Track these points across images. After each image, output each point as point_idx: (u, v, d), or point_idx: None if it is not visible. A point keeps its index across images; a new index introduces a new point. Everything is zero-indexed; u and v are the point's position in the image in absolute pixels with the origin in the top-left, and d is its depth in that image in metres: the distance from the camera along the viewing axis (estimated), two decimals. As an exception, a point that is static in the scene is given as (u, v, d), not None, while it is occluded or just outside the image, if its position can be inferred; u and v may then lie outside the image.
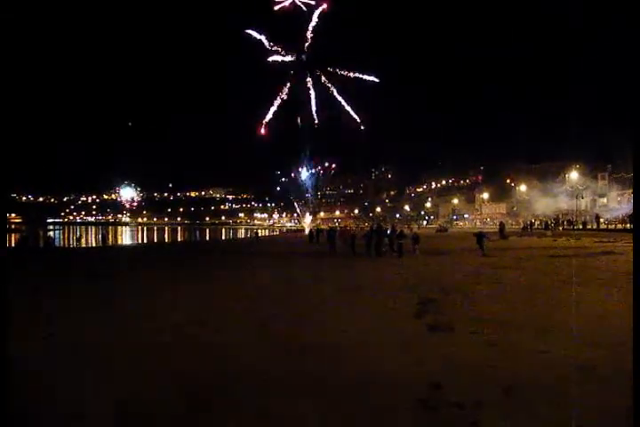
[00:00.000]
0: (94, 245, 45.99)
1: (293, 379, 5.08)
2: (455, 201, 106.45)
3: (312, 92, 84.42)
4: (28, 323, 7.57)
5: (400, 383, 4.87)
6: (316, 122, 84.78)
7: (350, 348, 6.27)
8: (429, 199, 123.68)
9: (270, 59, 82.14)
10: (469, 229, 73.25)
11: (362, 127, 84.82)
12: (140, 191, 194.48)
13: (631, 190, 50.48)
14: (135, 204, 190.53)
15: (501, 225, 37.76)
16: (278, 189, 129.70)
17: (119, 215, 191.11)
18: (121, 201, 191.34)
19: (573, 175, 60.49)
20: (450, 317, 7.91)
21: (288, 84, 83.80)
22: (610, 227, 44.58)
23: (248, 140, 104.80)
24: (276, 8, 79.00)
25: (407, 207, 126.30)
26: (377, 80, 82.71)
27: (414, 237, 22.66)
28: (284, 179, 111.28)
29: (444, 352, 5.97)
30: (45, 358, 5.90)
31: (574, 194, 57.85)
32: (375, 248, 22.02)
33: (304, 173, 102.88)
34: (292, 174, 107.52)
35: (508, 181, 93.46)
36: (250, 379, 5.08)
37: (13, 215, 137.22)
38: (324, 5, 79.64)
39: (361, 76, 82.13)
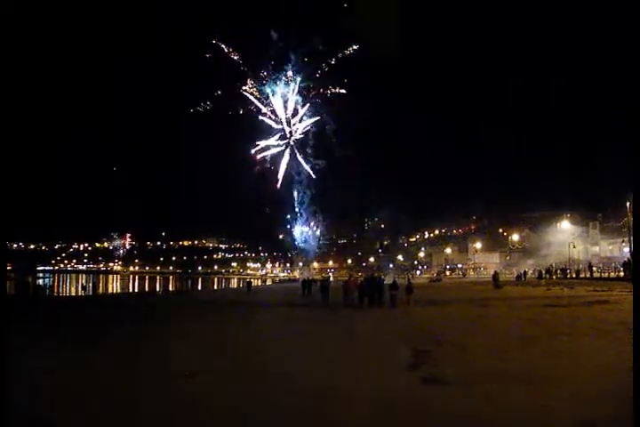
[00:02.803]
0: (82, 294, 45.20)
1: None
2: (448, 251, 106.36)
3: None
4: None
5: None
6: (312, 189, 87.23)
7: (342, 405, 6.06)
8: (422, 249, 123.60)
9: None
10: (461, 278, 72.95)
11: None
12: (133, 240, 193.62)
13: (622, 239, 50.87)
14: (127, 251, 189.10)
15: (495, 275, 37.57)
16: (271, 238, 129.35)
17: (111, 264, 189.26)
18: (113, 249, 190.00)
19: (565, 225, 60.87)
20: (444, 369, 7.71)
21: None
22: (603, 275, 44.39)
23: (242, 190, 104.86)
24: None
25: (401, 257, 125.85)
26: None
27: (408, 288, 22.35)
28: (277, 229, 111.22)
29: (439, 406, 5.78)
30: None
31: (566, 243, 58.06)
32: (368, 299, 21.70)
33: (297, 225, 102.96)
34: (286, 225, 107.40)
35: (500, 230, 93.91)
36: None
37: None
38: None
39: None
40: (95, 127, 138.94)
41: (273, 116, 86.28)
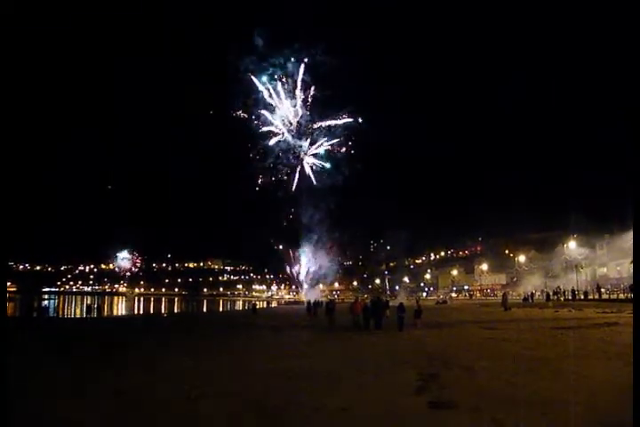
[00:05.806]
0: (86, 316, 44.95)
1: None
2: (454, 272, 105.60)
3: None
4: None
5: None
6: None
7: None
8: (428, 271, 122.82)
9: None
10: (468, 300, 72.29)
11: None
12: (139, 261, 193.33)
13: (629, 260, 50.38)
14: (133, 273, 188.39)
15: (505, 296, 37.15)
16: (277, 260, 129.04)
17: (116, 285, 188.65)
18: (119, 271, 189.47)
19: (572, 245, 60.44)
20: (452, 393, 7.60)
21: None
22: (612, 297, 43.89)
23: (248, 213, 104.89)
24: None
25: (406, 279, 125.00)
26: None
27: (417, 311, 22.09)
28: (283, 252, 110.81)
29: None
30: None
31: (574, 264, 57.58)
32: (375, 321, 21.46)
33: (303, 247, 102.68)
34: (293, 248, 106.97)
35: (506, 251, 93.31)
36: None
37: (8, 284, 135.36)
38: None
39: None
40: (95, 128, 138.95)
41: (283, 129, 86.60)
